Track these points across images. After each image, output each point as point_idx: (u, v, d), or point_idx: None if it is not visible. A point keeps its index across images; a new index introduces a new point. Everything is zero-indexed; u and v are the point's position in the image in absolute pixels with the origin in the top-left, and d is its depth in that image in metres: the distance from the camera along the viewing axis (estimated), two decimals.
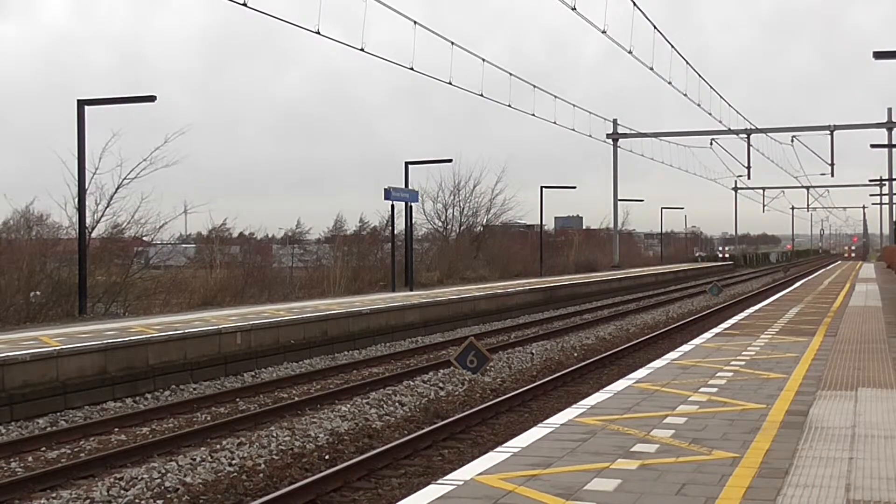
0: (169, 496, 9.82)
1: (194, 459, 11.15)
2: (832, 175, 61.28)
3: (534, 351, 22.15)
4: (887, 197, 76.05)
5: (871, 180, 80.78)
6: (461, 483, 6.48)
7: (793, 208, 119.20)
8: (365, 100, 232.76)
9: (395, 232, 39.08)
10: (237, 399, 16.03)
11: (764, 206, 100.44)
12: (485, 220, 63.27)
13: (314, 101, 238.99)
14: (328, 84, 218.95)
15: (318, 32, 19.76)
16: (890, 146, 60.52)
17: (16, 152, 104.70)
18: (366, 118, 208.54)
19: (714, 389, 10.39)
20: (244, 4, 17.44)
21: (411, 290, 35.45)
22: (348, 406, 14.55)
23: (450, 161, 44.45)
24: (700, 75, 38.47)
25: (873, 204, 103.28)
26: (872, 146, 55.74)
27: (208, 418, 14.38)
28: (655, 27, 27.85)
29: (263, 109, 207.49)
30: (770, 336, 16.33)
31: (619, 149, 66.59)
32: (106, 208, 30.34)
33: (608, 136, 64.55)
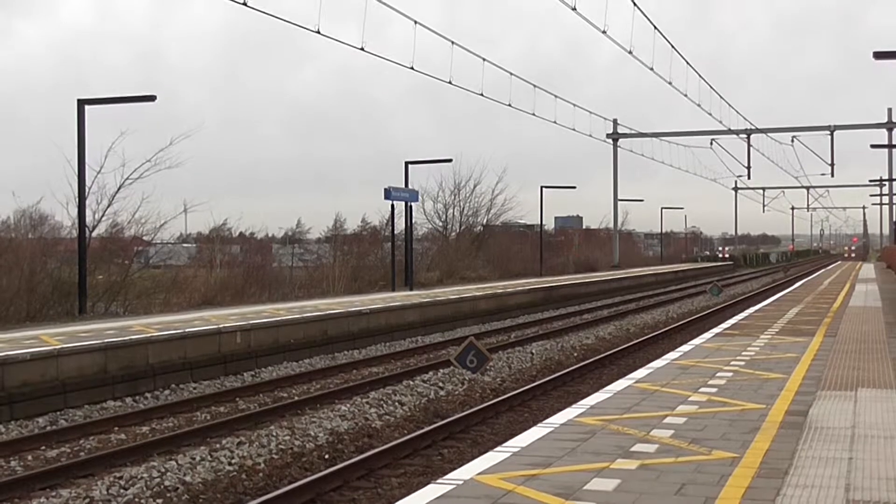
0: (168, 495, 9.82)
1: (194, 458, 11.15)
2: (832, 175, 61.33)
3: (533, 351, 22.15)
4: (887, 197, 76.09)
5: (870, 180, 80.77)
6: (461, 482, 6.48)
7: (793, 208, 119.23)
8: (379, 99, 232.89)
9: (396, 231, 39.09)
10: (237, 398, 16.03)
11: (764, 206, 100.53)
12: (485, 220, 63.28)
13: (328, 99, 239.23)
14: (343, 83, 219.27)
15: (319, 32, 19.78)
16: (890, 146, 60.49)
17: (33, 151, 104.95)
18: (378, 117, 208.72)
19: (714, 389, 10.39)
20: (244, 4, 17.44)
21: (411, 290, 35.45)
22: (348, 405, 14.55)
23: (450, 161, 44.54)
24: (700, 75, 38.61)
25: (873, 204, 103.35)
26: (872, 146, 55.74)
27: (208, 417, 14.38)
28: (656, 27, 27.92)
29: (277, 108, 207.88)
30: (770, 336, 16.33)
31: (621, 149, 66.69)
32: (107, 208, 30.37)
33: (608, 135, 64.55)
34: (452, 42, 25.72)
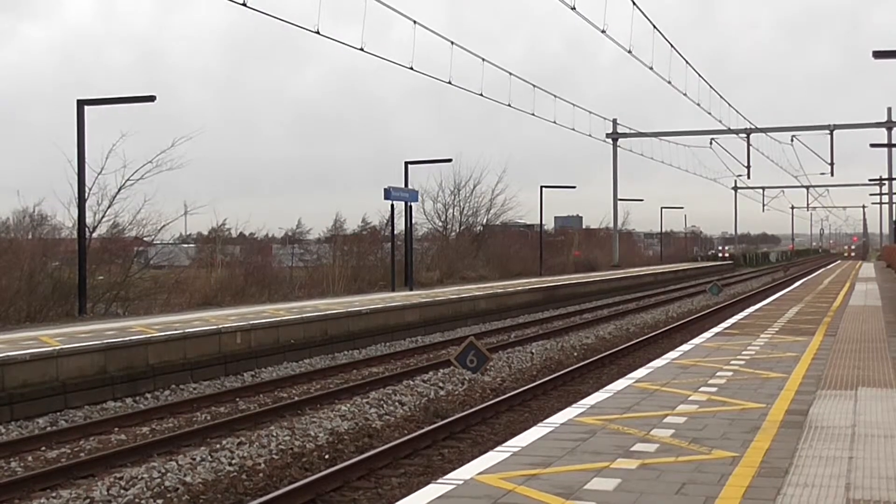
0: (169, 496, 9.82)
1: (194, 459, 11.15)
2: (832, 174, 61.36)
3: (533, 350, 22.15)
4: (887, 196, 76.14)
5: (870, 180, 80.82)
6: (461, 482, 6.48)
7: (792, 208, 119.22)
8: (379, 99, 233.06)
9: (396, 231, 39.09)
10: (237, 399, 16.03)
11: (764, 205, 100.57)
12: (485, 220, 63.24)
13: (329, 99, 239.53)
14: (344, 83, 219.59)
15: (318, 32, 19.77)
16: (889, 146, 60.49)
17: (36, 152, 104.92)
18: (379, 117, 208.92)
19: (714, 389, 10.40)
20: (244, 4, 17.43)
21: (411, 290, 35.44)
22: (348, 406, 14.55)
23: (450, 161, 44.53)
24: (700, 74, 38.57)
25: (873, 203, 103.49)
26: (872, 146, 55.75)
27: (208, 418, 14.38)
28: (655, 26, 27.89)
29: (278, 108, 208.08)
30: (770, 335, 16.32)
31: (621, 149, 66.74)
32: (108, 209, 30.35)
33: (608, 135, 64.58)
34: (452, 42, 25.72)
